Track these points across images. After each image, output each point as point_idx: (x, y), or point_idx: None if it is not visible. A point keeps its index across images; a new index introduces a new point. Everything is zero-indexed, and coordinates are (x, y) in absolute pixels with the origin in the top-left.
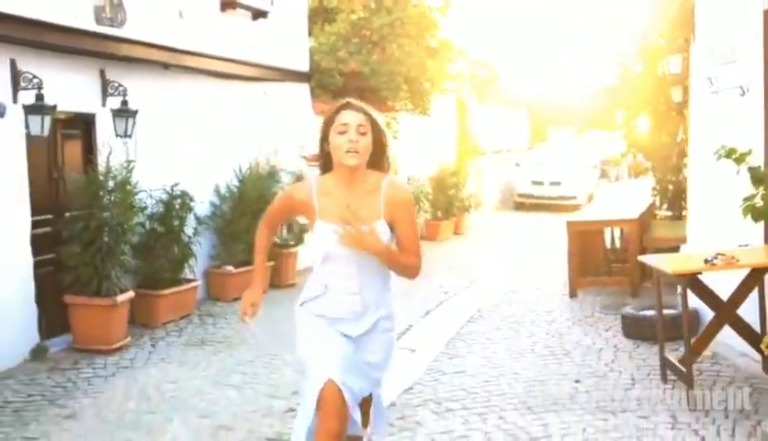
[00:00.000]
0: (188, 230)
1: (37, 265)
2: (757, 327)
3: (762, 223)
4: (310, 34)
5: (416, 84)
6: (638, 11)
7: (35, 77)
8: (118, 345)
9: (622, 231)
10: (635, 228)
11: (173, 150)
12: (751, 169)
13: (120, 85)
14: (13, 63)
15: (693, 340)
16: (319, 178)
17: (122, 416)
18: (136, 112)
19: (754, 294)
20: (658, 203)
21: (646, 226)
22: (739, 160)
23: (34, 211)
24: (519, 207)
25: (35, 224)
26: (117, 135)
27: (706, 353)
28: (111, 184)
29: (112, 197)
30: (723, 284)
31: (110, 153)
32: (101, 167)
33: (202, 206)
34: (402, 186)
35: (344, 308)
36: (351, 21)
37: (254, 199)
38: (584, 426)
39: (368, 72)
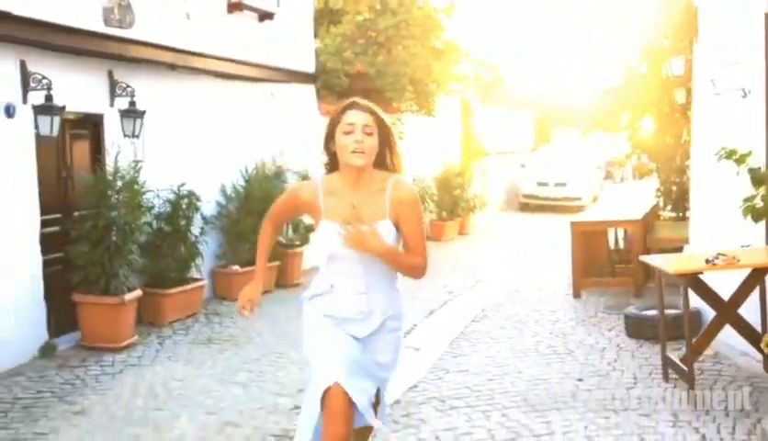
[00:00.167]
0: (195, 229)
1: (46, 264)
2: (758, 327)
3: (763, 224)
4: (315, 35)
5: (421, 86)
6: (640, 12)
7: (44, 78)
8: (125, 344)
9: (626, 231)
10: (638, 229)
11: (180, 150)
12: (751, 170)
13: (128, 86)
14: (23, 64)
15: (694, 339)
16: (324, 178)
17: (130, 413)
18: (144, 113)
19: (756, 294)
20: (662, 204)
21: (650, 227)
22: (740, 161)
23: (43, 211)
24: (524, 207)
25: (44, 223)
26: (124, 135)
27: (708, 352)
28: (119, 183)
29: (120, 197)
30: (725, 284)
31: (118, 153)
32: (109, 167)
33: (209, 206)
34: (408, 186)
35: (351, 307)
36: (356, 23)
37: (260, 199)
38: (586, 424)
39: (374, 73)
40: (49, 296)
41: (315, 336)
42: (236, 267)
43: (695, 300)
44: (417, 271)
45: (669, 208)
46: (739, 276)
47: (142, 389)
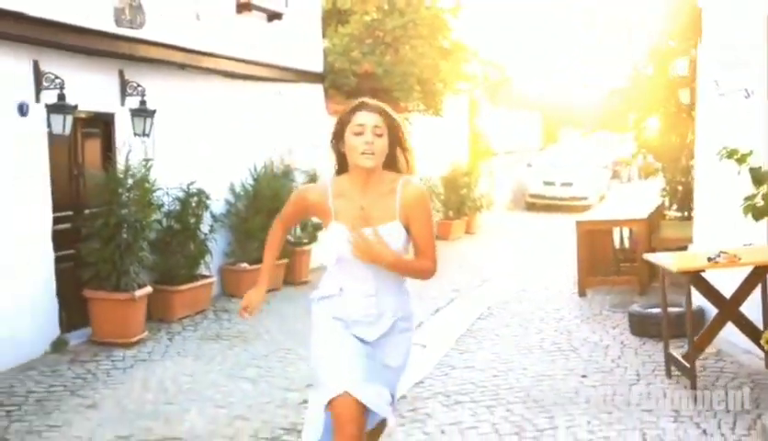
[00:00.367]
0: (204, 227)
1: (58, 261)
2: (760, 324)
3: (766, 223)
4: (323, 35)
5: (429, 85)
6: (640, 12)
7: (57, 77)
8: (135, 339)
9: (631, 231)
10: (643, 228)
11: (189, 149)
12: (751, 169)
13: (139, 86)
14: (36, 64)
15: (696, 337)
16: (334, 179)
17: (141, 406)
18: (154, 112)
19: (758, 292)
20: (667, 204)
21: (655, 226)
22: (741, 160)
23: (55, 208)
24: (531, 207)
25: (56, 221)
26: (135, 134)
27: (711, 350)
28: (130, 182)
29: (131, 195)
30: (727, 283)
31: (129, 152)
32: (120, 165)
33: (218, 204)
34: (418, 187)
35: (360, 310)
36: (364, 23)
37: (269, 198)
38: (589, 419)
39: (381, 72)
40: (60, 292)
41: (323, 338)
42: (245, 265)
43: (699, 299)
44: (427, 274)
45: (674, 207)
46: (741, 274)
47: (153, 383)
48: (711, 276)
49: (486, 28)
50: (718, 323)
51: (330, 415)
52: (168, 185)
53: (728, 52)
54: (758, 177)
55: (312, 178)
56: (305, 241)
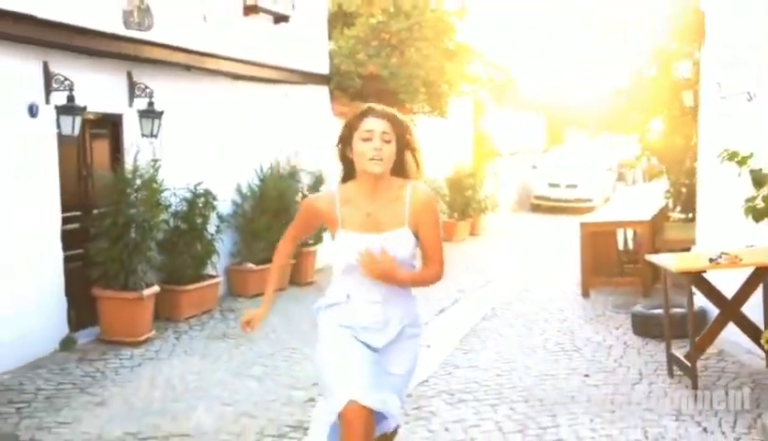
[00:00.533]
0: (211, 227)
1: (66, 260)
2: (761, 325)
3: None
4: (329, 37)
5: (434, 87)
6: (639, 12)
7: (66, 79)
8: (143, 338)
9: (635, 232)
10: (647, 229)
11: (196, 150)
12: (752, 171)
13: (147, 87)
14: (45, 66)
15: (698, 337)
16: (340, 187)
17: (149, 404)
18: (162, 113)
19: (759, 293)
20: (671, 205)
21: (658, 228)
22: (741, 163)
23: (64, 208)
24: (535, 209)
25: (65, 220)
26: (143, 135)
27: (713, 350)
28: (138, 182)
29: (139, 195)
30: (729, 284)
31: (137, 153)
32: (128, 166)
33: (224, 204)
34: (426, 192)
35: (367, 317)
36: (370, 25)
37: (275, 198)
38: (591, 417)
39: (387, 74)
40: (69, 291)
41: (330, 347)
42: (250, 265)
43: (702, 300)
44: (435, 280)
45: (678, 209)
46: (743, 275)
47: (160, 381)
48: (713, 277)
49: (488, 29)
50: (719, 324)
51: (338, 423)
52: (175, 185)
53: (730, 55)
54: (758, 179)
55: (318, 179)
56: (311, 241)
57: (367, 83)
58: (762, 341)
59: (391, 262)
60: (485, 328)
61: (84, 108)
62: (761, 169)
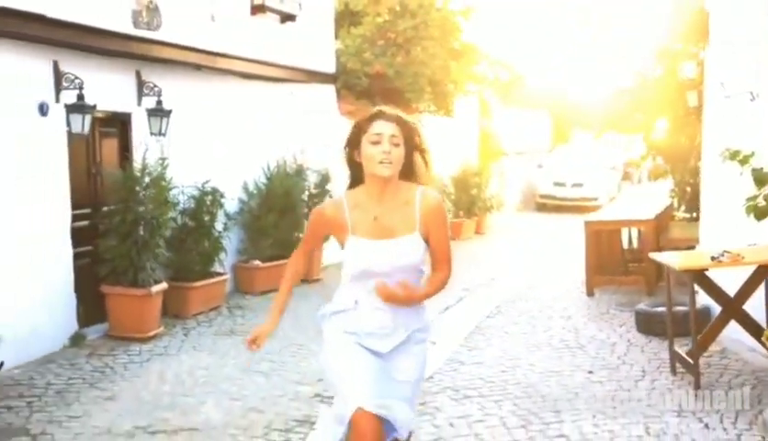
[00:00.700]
0: (218, 225)
1: (76, 257)
2: (764, 323)
3: None
4: (336, 37)
5: (440, 86)
6: (639, 12)
7: (76, 78)
8: (151, 334)
9: (639, 231)
10: (651, 228)
11: (204, 148)
12: (753, 170)
13: (155, 86)
14: (56, 65)
15: (700, 335)
16: (348, 193)
17: (158, 398)
18: (170, 112)
19: (761, 291)
20: (676, 204)
21: (663, 227)
22: (743, 162)
23: (74, 205)
24: (541, 208)
25: (74, 218)
26: (151, 134)
27: (716, 348)
28: (147, 180)
29: (147, 193)
30: (732, 282)
31: (146, 151)
32: (137, 164)
33: (232, 202)
34: (436, 196)
35: (374, 322)
36: (376, 24)
37: (281, 196)
38: (594, 413)
39: (393, 73)
40: (78, 288)
41: (336, 354)
42: (257, 262)
43: (705, 299)
44: (447, 283)
45: (683, 208)
46: (745, 273)
47: (169, 376)
48: (715, 275)
49: (491, 27)
50: (722, 321)
51: (346, 433)
52: (183, 183)
53: (734, 55)
54: (760, 178)
55: (324, 177)
56: None
57: (374, 82)
58: (764, 338)
59: (407, 287)
60: (490, 325)
61: (94, 107)
62: (762, 168)
